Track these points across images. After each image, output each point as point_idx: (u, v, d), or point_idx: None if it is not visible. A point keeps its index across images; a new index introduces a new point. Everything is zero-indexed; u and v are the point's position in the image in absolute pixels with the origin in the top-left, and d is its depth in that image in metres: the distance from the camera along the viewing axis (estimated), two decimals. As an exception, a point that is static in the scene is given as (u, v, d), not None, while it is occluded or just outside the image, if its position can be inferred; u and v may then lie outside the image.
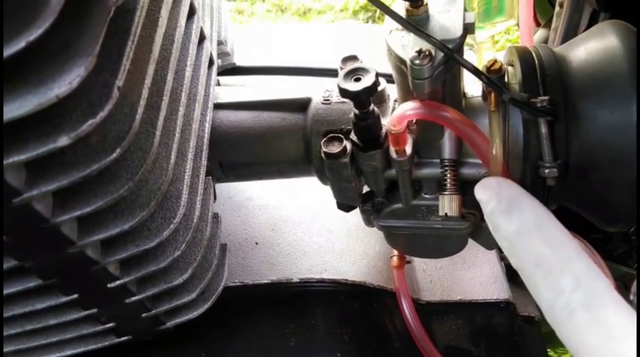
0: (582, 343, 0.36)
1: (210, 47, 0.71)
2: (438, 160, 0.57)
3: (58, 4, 0.33)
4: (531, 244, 0.42)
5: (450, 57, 0.46)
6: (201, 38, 0.67)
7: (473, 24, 0.49)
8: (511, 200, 0.45)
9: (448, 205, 0.56)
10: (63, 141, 0.37)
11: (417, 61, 0.46)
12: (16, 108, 0.34)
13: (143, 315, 0.61)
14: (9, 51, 0.32)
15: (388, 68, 0.53)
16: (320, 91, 0.65)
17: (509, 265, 0.45)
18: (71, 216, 0.44)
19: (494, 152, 0.49)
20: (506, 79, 0.53)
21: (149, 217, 0.49)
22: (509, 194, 0.45)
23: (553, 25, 0.78)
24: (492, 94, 0.51)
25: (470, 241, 0.65)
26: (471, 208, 0.58)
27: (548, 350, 0.80)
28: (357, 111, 0.55)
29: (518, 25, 0.78)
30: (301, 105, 0.65)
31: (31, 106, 0.34)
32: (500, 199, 0.45)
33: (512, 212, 0.44)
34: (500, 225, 0.45)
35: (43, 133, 0.38)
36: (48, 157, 0.38)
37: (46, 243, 0.46)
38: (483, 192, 0.47)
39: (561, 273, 0.40)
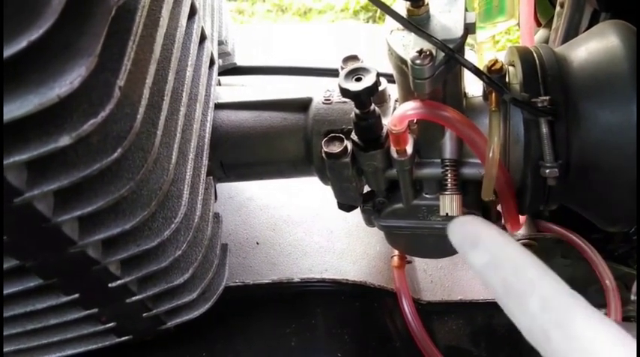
0: None
1: (211, 47, 0.71)
2: (439, 160, 0.57)
3: (60, 4, 0.33)
4: (496, 275, 0.43)
5: (451, 57, 0.46)
6: (202, 38, 0.67)
7: (474, 24, 0.49)
8: (474, 237, 0.45)
9: (449, 204, 0.56)
10: (64, 141, 0.37)
11: (417, 61, 0.46)
12: (17, 108, 0.35)
13: (144, 315, 0.61)
14: (10, 51, 0.32)
15: (389, 68, 0.53)
16: (321, 91, 0.65)
17: None
18: (72, 216, 0.44)
19: (490, 154, 0.49)
20: (507, 79, 0.53)
21: (150, 217, 0.49)
22: (472, 231, 0.45)
23: (554, 25, 0.78)
24: (493, 94, 0.51)
25: (470, 241, 0.65)
26: (472, 208, 0.58)
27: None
28: (357, 111, 0.55)
29: (519, 25, 0.78)
30: (302, 105, 0.65)
31: (32, 105, 0.34)
32: (465, 238, 0.46)
33: (476, 248, 0.45)
34: (470, 262, 0.46)
35: (45, 132, 0.38)
36: (49, 157, 0.38)
37: (47, 243, 0.46)
38: (452, 235, 0.48)
39: (528, 296, 0.40)
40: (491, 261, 0.42)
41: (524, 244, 0.74)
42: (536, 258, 0.42)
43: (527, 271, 0.40)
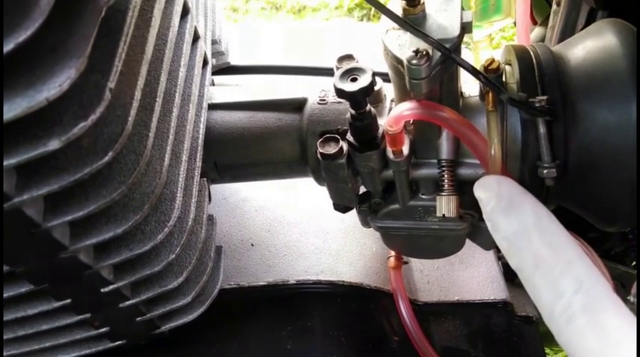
0: (581, 346, 0.36)
1: (205, 47, 0.70)
2: (436, 161, 0.56)
3: (48, 4, 0.33)
4: (531, 245, 0.41)
5: (447, 57, 0.46)
6: (195, 38, 0.66)
7: (470, 23, 0.48)
8: (511, 200, 0.43)
9: (446, 205, 0.55)
10: (54, 144, 0.36)
11: (414, 61, 0.45)
12: (5, 111, 0.34)
13: (137, 319, 0.60)
14: (-3, 53, 0.31)
15: (384, 67, 0.52)
16: (316, 91, 0.65)
17: (507, 264, 0.44)
18: (63, 221, 0.43)
19: (492, 152, 0.49)
20: (503, 79, 0.53)
21: (143, 221, 0.49)
22: (509, 193, 0.44)
23: (550, 24, 0.77)
24: (490, 94, 0.51)
25: (467, 240, 0.64)
26: (469, 209, 0.57)
27: (545, 349, 0.80)
28: (353, 111, 0.54)
29: (515, 23, 0.78)
30: (297, 105, 0.64)
31: (21, 109, 0.34)
32: (500, 198, 0.44)
33: (512, 212, 0.43)
34: (499, 225, 0.44)
35: (34, 136, 0.37)
36: (38, 161, 0.37)
37: (37, 248, 0.45)
38: (483, 191, 0.45)
39: (562, 275, 0.39)
40: (525, 230, 0.41)
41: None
42: (573, 238, 0.41)
43: (566, 251, 0.40)
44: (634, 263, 0.90)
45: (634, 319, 0.36)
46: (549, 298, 0.39)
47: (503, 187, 0.44)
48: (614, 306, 0.37)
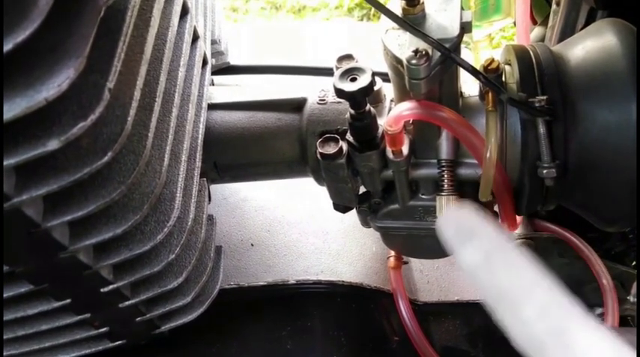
0: None
1: (204, 46, 0.70)
2: (435, 161, 0.56)
3: (47, 4, 0.33)
4: (492, 276, 0.42)
5: (447, 56, 0.46)
6: (195, 37, 0.66)
7: (470, 23, 0.48)
8: (470, 231, 0.43)
9: (445, 205, 0.55)
10: (53, 144, 0.36)
11: (413, 61, 0.45)
12: (5, 111, 0.34)
13: (137, 319, 0.60)
14: (-4, 53, 0.31)
15: (384, 66, 0.52)
16: (315, 91, 0.64)
17: None
18: (62, 221, 0.43)
19: (488, 154, 0.49)
20: (503, 79, 0.53)
21: (142, 221, 0.48)
22: (468, 225, 0.44)
23: (550, 24, 0.77)
24: (490, 94, 0.51)
25: (467, 241, 0.64)
26: (469, 209, 0.57)
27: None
28: (352, 111, 0.54)
29: (514, 23, 0.78)
30: (297, 105, 0.64)
31: (20, 109, 0.33)
32: (458, 231, 0.44)
33: (470, 244, 0.43)
34: (459, 257, 0.44)
35: (33, 136, 0.37)
36: (38, 161, 0.37)
37: (36, 248, 0.45)
38: (443, 227, 0.46)
39: (523, 303, 0.39)
40: (484, 261, 0.41)
41: (522, 244, 0.73)
42: (533, 261, 0.41)
43: (524, 276, 0.40)
44: (634, 263, 0.90)
45: (603, 335, 0.36)
46: (518, 329, 0.39)
47: (462, 219, 0.45)
48: (580, 324, 0.37)
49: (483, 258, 0.41)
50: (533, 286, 0.39)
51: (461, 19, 0.48)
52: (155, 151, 0.50)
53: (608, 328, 0.36)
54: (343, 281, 0.73)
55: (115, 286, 0.53)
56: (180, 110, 0.57)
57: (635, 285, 0.60)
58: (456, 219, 0.45)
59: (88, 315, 0.57)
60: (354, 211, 0.66)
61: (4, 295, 0.50)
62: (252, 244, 0.78)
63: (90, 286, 0.52)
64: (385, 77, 0.56)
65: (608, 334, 0.35)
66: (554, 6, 0.76)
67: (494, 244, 0.42)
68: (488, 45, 0.79)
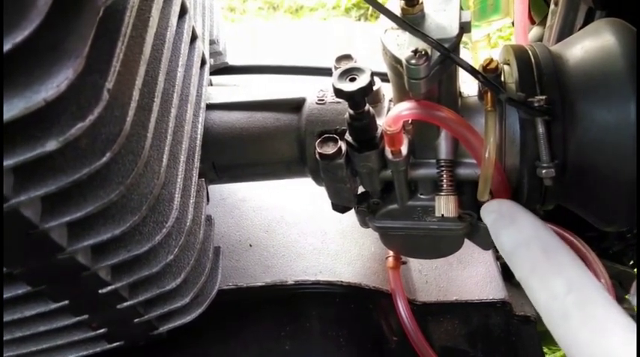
0: (575, 339, 0.39)
1: (203, 47, 0.70)
2: (434, 161, 0.56)
3: (45, 4, 0.32)
4: (528, 253, 0.46)
5: (446, 56, 0.46)
6: (193, 38, 0.66)
7: (469, 22, 0.48)
8: (511, 216, 0.49)
9: (444, 205, 0.55)
10: (51, 145, 0.36)
11: (412, 61, 0.45)
12: (3, 112, 0.33)
13: (136, 320, 0.60)
14: (-6, 53, 0.31)
15: (383, 66, 0.52)
16: (314, 91, 0.64)
17: (505, 264, 0.48)
18: (60, 222, 0.42)
19: (486, 154, 0.49)
20: (502, 79, 0.53)
21: (141, 222, 0.48)
22: (509, 211, 0.49)
23: (548, 23, 0.77)
24: (489, 94, 0.51)
25: (465, 240, 0.64)
26: (468, 209, 0.57)
27: (543, 348, 0.80)
28: (351, 111, 0.54)
29: (513, 23, 0.78)
30: (295, 105, 0.64)
31: (18, 110, 0.33)
32: (501, 216, 0.49)
33: (512, 226, 0.48)
34: (502, 238, 0.49)
35: (31, 137, 0.37)
36: (36, 162, 0.37)
37: (34, 249, 0.45)
38: (487, 213, 0.51)
39: (555, 277, 0.43)
40: (524, 240, 0.46)
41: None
42: (566, 245, 0.46)
43: (558, 255, 0.45)
44: (632, 262, 0.90)
45: (623, 313, 0.39)
46: (545, 299, 0.44)
47: (504, 206, 0.50)
48: (605, 302, 0.42)
49: (524, 238, 0.46)
50: (564, 264, 0.43)
51: (460, 19, 0.48)
52: (154, 151, 0.50)
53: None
54: (342, 281, 0.73)
55: (113, 287, 0.53)
56: (178, 110, 0.57)
57: (634, 284, 0.60)
58: (498, 207, 0.50)
59: (86, 316, 0.57)
60: (352, 212, 0.66)
61: (3, 297, 0.50)
62: (250, 245, 0.78)
63: (88, 288, 0.52)
64: (384, 77, 0.56)
65: (625, 313, 0.39)
66: (552, 6, 0.76)
67: (534, 226, 0.47)
68: (487, 45, 0.79)
